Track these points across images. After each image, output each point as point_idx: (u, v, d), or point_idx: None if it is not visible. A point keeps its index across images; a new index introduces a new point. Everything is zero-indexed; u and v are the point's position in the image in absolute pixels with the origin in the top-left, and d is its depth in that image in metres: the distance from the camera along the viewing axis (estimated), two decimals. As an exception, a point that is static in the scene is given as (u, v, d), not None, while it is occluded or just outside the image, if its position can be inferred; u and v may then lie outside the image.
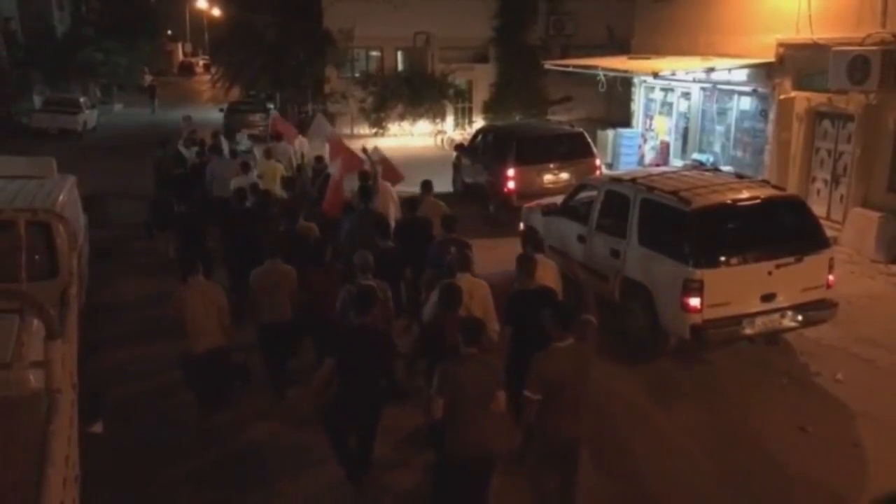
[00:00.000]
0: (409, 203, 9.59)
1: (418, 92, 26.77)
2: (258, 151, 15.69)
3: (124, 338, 9.48)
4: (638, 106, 20.39)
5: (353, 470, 6.05)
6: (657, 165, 17.45)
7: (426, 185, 10.21)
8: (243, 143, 18.69)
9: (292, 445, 6.97)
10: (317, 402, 6.16)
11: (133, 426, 7.31)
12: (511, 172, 14.31)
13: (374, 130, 26.99)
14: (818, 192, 13.99)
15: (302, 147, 15.84)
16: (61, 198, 9.04)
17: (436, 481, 5.49)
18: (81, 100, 31.63)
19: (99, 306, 10.11)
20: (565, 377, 5.11)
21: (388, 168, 11.62)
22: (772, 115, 15.04)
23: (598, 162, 15.02)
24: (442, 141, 25.89)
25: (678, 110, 18.68)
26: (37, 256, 7.33)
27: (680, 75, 16.75)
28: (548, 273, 7.05)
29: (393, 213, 9.99)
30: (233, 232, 9.67)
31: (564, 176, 14.38)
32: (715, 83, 16.84)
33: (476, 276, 6.94)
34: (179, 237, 10.44)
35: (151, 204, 12.79)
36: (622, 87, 20.06)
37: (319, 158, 13.63)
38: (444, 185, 18.11)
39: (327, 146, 13.77)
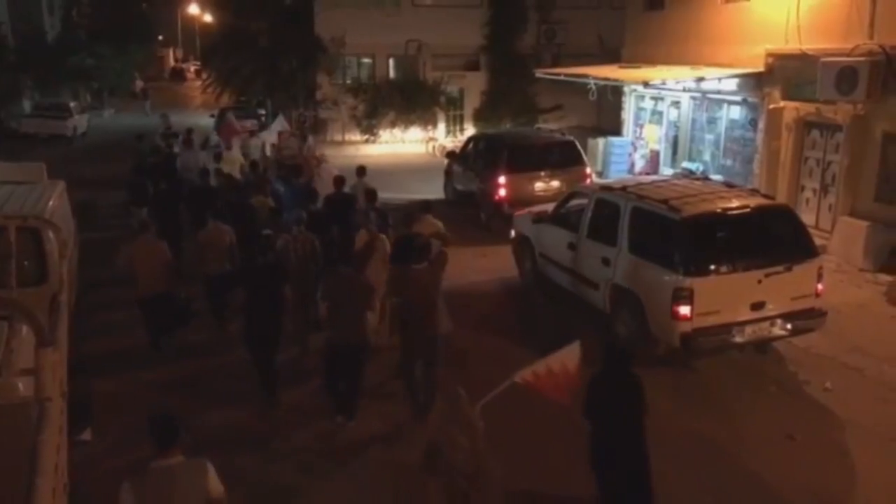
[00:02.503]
0: (338, 179, 11.82)
1: (410, 99, 26.79)
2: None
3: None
4: (628, 115, 20.47)
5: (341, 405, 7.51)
6: (647, 174, 17.52)
7: (360, 170, 12.48)
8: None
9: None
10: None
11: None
12: (502, 180, 14.34)
13: (365, 137, 27.00)
14: (807, 201, 14.08)
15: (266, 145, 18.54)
16: (51, 203, 9.00)
17: (325, 361, 7.51)
18: (72, 105, 31.49)
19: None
20: (421, 288, 7.28)
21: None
22: (761, 125, 15.14)
23: (588, 170, 15.10)
24: (433, 148, 25.91)
25: (668, 119, 18.77)
26: (26, 263, 7.30)
27: (670, 84, 16.84)
28: (425, 226, 9.04)
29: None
30: (196, 205, 11.38)
31: (555, 184, 14.42)
32: (705, 92, 16.94)
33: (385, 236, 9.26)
34: (156, 212, 11.60)
35: (128, 186, 14.00)
36: (613, 95, 20.15)
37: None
38: (435, 192, 18.15)
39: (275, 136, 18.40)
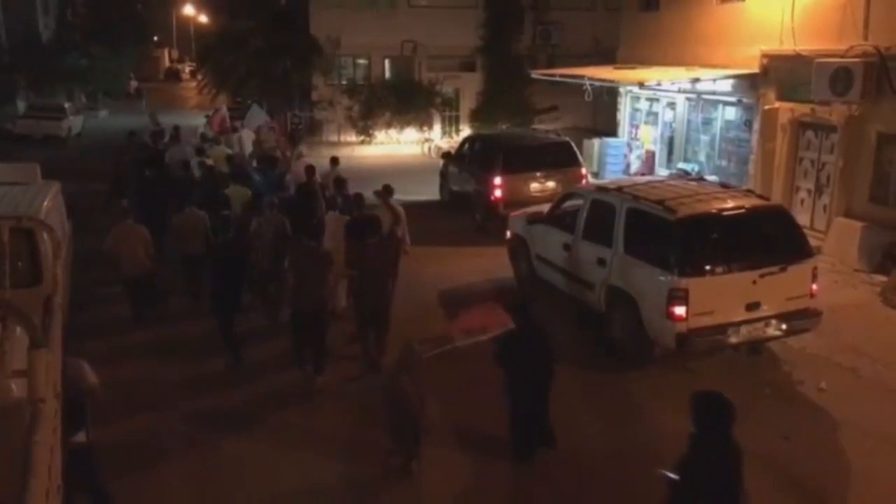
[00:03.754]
0: (309, 168, 13.26)
1: (405, 100, 26.76)
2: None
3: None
4: (624, 115, 20.51)
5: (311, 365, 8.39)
6: (643, 175, 17.55)
7: (333, 160, 14.12)
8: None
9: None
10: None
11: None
12: (498, 181, 14.35)
13: (361, 138, 26.96)
14: (802, 201, 14.12)
15: (243, 140, 19.20)
16: (45, 204, 8.97)
17: (291, 325, 8.48)
18: (66, 105, 31.41)
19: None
20: (375, 261, 8.33)
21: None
22: (756, 126, 15.17)
23: (584, 171, 15.11)
24: (429, 149, 25.90)
25: (664, 120, 18.81)
26: (20, 264, 7.27)
27: (665, 85, 16.87)
28: (385, 209, 10.25)
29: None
30: (178, 193, 12.48)
31: (551, 185, 14.43)
32: (700, 93, 16.97)
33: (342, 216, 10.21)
34: (139, 200, 12.53)
35: (111, 179, 15.25)
36: (608, 96, 20.18)
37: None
38: (431, 193, 18.16)
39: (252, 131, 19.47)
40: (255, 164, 15.79)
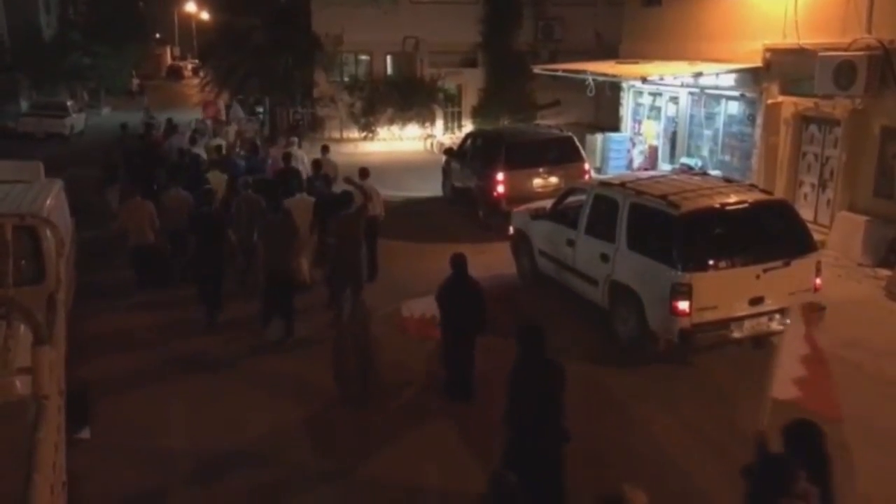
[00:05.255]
0: (286, 155, 14.86)
1: (407, 96, 26.74)
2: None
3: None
4: (626, 110, 20.47)
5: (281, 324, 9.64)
6: (646, 170, 17.51)
7: (324, 148, 15.17)
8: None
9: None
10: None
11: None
12: (500, 177, 14.33)
13: (363, 135, 26.96)
14: (805, 196, 14.09)
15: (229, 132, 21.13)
16: (48, 202, 8.98)
17: (263, 289, 9.60)
18: (69, 103, 31.43)
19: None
20: (346, 229, 9.67)
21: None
22: (759, 120, 15.14)
23: (586, 166, 15.07)
24: (431, 145, 25.90)
25: (666, 115, 18.77)
26: (23, 261, 7.30)
27: (668, 80, 16.84)
28: (366, 188, 11.07)
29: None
30: (170, 176, 13.71)
31: (553, 180, 14.41)
32: (703, 88, 16.94)
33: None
34: (131, 182, 13.62)
35: (102, 167, 16.22)
36: (611, 91, 20.15)
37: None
38: (433, 189, 18.15)
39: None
40: (241, 151, 17.83)
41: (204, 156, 15.92)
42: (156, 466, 6.90)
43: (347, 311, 9.11)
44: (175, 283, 11.56)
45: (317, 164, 13.29)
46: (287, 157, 14.69)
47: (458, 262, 8.00)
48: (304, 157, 15.56)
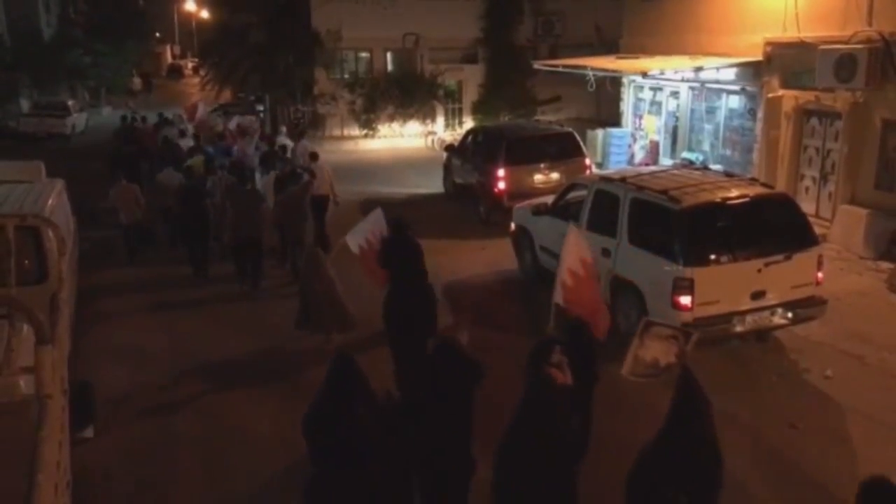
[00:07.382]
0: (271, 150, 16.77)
1: (408, 93, 26.72)
2: None
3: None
4: (627, 105, 20.43)
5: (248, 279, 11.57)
6: (647, 165, 17.49)
7: (312, 155, 15.48)
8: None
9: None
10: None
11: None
12: (501, 173, 14.33)
13: (364, 132, 26.96)
14: (807, 189, 14.07)
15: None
16: (50, 202, 9.00)
17: (233, 250, 11.61)
18: (70, 103, 31.46)
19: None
20: (292, 200, 11.59)
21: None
22: (760, 114, 15.11)
23: (587, 161, 15.07)
24: (432, 142, 25.89)
25: (667, 109, 18.74)
26: (26, 261, 7.31)
27: (669, 74, 16.81)
28: (322, 171, 13.54)
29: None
30: (162, 161, 16.06)
31: (555, 176, 14.42)
32: (703, 82, 16.91)
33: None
34: (123, 166, 14.96)
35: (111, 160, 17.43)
36: (611, 86, 20.10)
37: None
38: (434, 185, 18.16)
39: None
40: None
41: (191, 143, 17.99)
42: (146, 367, 8.92)
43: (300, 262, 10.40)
44: (167, 247, 13.36)
45: (283, 150, 16.81)
46: (273, 143, 17.83)
47: (398, 224, 8.32)
48: (292, 145, 17.87)
